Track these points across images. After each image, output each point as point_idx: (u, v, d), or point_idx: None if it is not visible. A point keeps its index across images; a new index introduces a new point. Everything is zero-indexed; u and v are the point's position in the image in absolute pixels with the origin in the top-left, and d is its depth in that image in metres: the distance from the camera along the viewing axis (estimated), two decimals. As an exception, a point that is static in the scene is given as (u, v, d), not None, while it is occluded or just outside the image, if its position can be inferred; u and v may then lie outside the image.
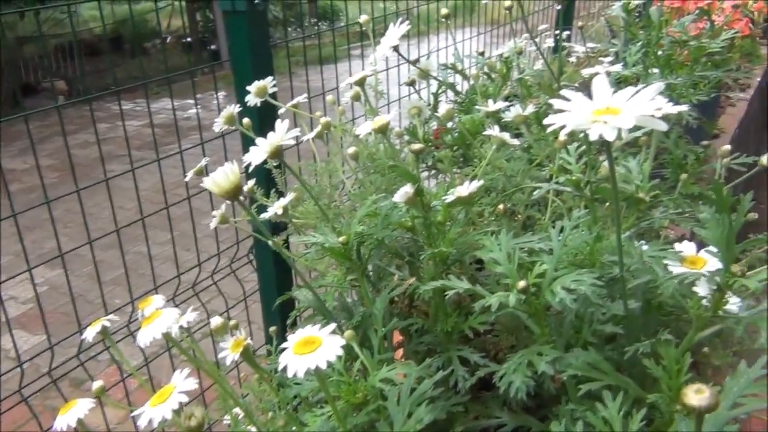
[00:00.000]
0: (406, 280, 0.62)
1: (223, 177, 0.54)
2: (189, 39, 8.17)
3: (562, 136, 0.44)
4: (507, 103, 0.86)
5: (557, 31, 2.81)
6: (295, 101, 0.99)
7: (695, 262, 0.57)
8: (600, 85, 0.47)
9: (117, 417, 2.21)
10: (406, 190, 0.60)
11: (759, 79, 3.19)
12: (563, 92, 0.48)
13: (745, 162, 0.84)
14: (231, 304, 1.57)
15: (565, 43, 2.65)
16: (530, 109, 0.80)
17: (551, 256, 0.54)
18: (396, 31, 0.93)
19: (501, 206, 0.68)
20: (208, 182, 0.54)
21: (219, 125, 0.87)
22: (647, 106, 0.43)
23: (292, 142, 0.67)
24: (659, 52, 0.84)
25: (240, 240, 1.47)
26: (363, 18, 0.94)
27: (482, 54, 1.29)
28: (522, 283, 0.53)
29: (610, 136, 0.42)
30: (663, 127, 0.43)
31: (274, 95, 0.96)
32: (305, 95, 1.04)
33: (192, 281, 1.42)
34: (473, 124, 0.91)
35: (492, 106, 0.85)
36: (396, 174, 0.63)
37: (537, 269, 0.53)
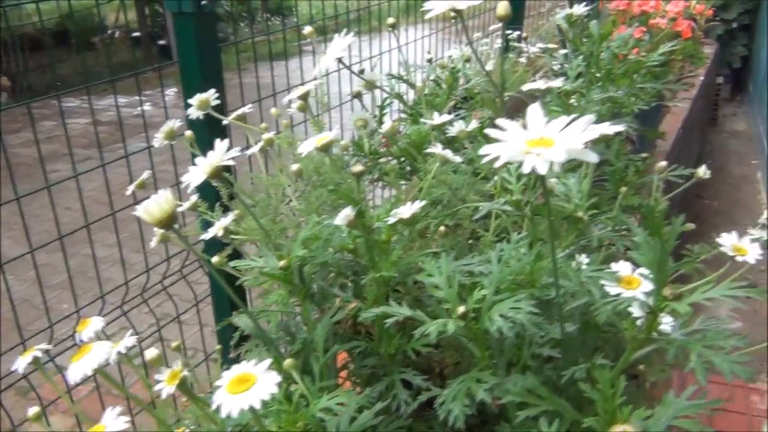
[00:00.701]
0: (350, 304, 0.62)
1: (156, 207, 0.52)
2: (138, 34, 7.99)
3: (500, 163, 0.44)
4: (451, 117, 0.86)
5: (508, 31, 2.84)
6: (240, 111, 0.98)
7: (631, 282, 0.58)
8: (534, 115, 0.47)
9: (65, 426, 2.16)
10: (347, 213, 0.60)
11: (702, 77, 3.28)
12: (498, 122, 0.48)
13: (682, 174, 0.86)
14: (183, 307, 1.54)
15: (515, 44, 2.67)
16: (473, 124, 0.81)
17: (491, 279, 0.55)
18: (341, 42, 0.92)
19: (442, 228, 0.68)
20: (140, 211, 0.53)
21: (159, 140, 0.85)
22: (579, 138, 0.44)
23: (232, 162, 0.66)
24: (599, 65, 0.86)
25: (192, 243, 1.45)
26: (307, 30, 0.93)
27: (430, 61, 1.29)
28: (461, 309, 0.53)
29: (542, 169, 0.43)
30: (594, 159, 0.44)
31: (220, 107, 0.94)
32: (251, 105, 1.03)
33: (142, 285, 1.40)
34: (419, 136, 0.91)
35: (437, 119, 0.85)
36: (336, 197, 0.63)
37: (476, 294, 0.53)
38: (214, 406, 0.42)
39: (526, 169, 0.43)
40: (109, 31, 8.37)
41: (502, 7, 0.73)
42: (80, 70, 6.17)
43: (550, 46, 2.85)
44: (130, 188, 0.91)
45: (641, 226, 0.53)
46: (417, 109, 1.03)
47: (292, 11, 7.56)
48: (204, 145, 1.30)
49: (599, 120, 0.92)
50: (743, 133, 4.21)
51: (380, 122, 0.95)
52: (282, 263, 0.60)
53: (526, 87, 0.79)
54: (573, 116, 0.47)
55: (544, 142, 0.46)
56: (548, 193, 0.48)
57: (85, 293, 1.34)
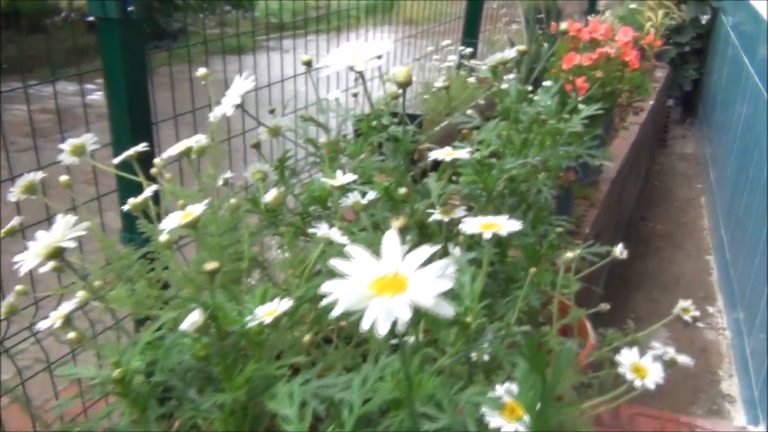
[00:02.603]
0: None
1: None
2: (92, 18, 7.72)
3: (337, 312, 0.36)
4: (353, 177, 0.78)
5: (461, 47, 2.78)
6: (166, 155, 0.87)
7: (514, 411, 0.51)
8: (390, 245, 0.40)
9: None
10: (195, 317, 0.51)
11: (653, 102, 3.28)
12: (348, 249, 0.40)
13: (599, 252, 0.80)
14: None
15: (465, 62, 2.61)
16: (371, 196, 0.72)
17: (351, 413, 0.47)
18: (240, 85, 0.84)
19: (308, 337, 0.60)
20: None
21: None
22: (431, 288, 0.36)
23: (73, 244, 0.56)
24: (518, 129, 0.79)
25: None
26: (201, 72, 0.84)
27: (355, 95, 1.21)
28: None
29: (382, 328, 0.35)
30: (449, 312, 0.36)
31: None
32: (145, 144, 0.93)
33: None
34: (322, 192, 0.83)
35: (339, 179, 0.77)
36: (193, 301, 0.54)
37: (328, 436, 0.45)
38: None
39: (365, 323, 0.35)
40: (63, 14, 8.07)
41: (402, 75, 0.66)
42: (30, 53, 5.90)
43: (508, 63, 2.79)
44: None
45: (524, 351, 0.46)
46: (329, 156, 0.95)
47: (253, 5, 7.39)
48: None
49: (515, 188, 0.86)
50: (691, 155, 4.24)
51: (281, 174, 0.87)
52: (116, 373, 0.51)
53: (432, 155, 0.71)
54: (435, 248, 0.39)
55: (396, 283, 0.38)
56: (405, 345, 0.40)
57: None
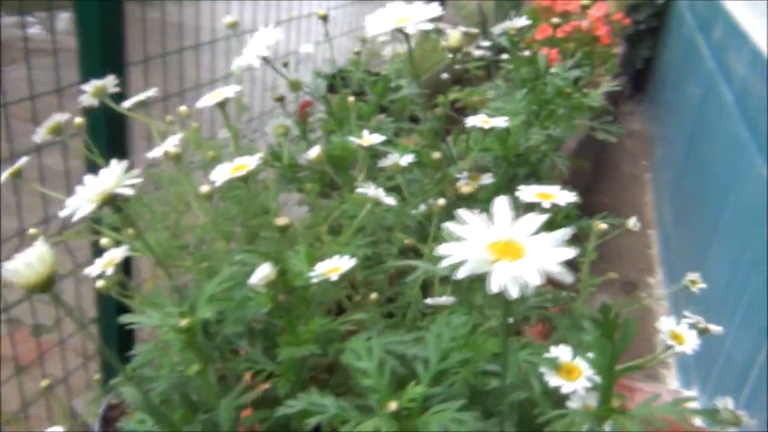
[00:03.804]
0: (261, 385, 0.54)
1: (28, 270, 0.42)
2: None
3: (460, 275, 0.38)
4: (382, 138, 0.78)
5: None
6: (142, 96, 0.85)
7: (571, 372, 0.54)
8: (501, 210, 0.41)
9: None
10: (266, 271, 0.52)
11: (608, 78, 3.36)
12: (460, 213, 0.41)
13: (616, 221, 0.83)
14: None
15: (439, 25, 2.60)
16: (408, 159, 0.73)
17: (428, 370, 0.49)
18: (266, 35, 0.82)
19: (374, 295, 0.61)
20: (10, 273, 0.42)
21: (40, 135, 0.72)
22: (553, 256, 0.38)
23: (130, 191, 0.55)
24: (544, 101, 0.81)
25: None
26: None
27: (358, 53, 1.20)
28: (393, 406, 0.47)
29: (514, 292, 0.36)
30: (570, 280, 0.38)
31: (120, 95, 0.81)
32: (155, 89, 0.90)
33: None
34: (344, 150, 0.83)
35: (366, 138, 0.77)
36: (257, 255, 0.54)
37: (411, 391, 0.47)
38: None
39: (494, 287, 0.37)
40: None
41: (455, 39, 0.66)
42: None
43: (473, 30, 2.81)
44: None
45: (595, 321, 0.48)
46: (342, 114, 0.94)
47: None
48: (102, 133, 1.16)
49: (526, 159, 0.88)
50: (638, 132, 4.38)
51: (303, 131, 0.86)
52: (184, 323, 0.51)
53: (469, 122, 0.72)
54: (542, 216, 0.41)
55: (512, 249, 0.39)
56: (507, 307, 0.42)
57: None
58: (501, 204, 0.41)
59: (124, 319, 0.52)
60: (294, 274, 0.54)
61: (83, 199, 0.55)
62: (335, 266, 0.55)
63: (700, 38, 3.21)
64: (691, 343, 0.57)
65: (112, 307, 1.35)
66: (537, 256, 0.38)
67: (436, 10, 0.67)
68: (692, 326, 0.58)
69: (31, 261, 0.42)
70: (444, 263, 0.39)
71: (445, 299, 0.63)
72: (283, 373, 0.55)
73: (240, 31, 0.91)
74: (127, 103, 0.80)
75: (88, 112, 0.81)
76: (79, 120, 0.79)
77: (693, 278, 0.74)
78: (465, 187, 0.58)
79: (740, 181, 1.90)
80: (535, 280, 0.36)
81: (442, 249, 0.39)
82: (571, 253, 0.38)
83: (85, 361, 1.56)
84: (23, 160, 0.72)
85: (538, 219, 0.41)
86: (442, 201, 0.64)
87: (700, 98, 2.98)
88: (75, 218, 0.54)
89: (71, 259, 1.34)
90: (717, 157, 2.39)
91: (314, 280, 0.54)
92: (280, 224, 0.54)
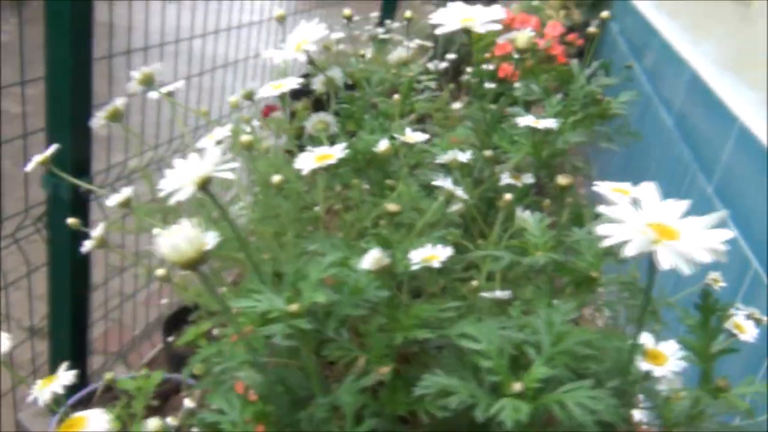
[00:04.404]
0: (379, 370, 0.54)
1: (186, 243, 0.41)
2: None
3: (629, 253, 0.40)
4: (426, 136, 0.79)
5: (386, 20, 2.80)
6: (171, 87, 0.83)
7: (657, 358, 0.57)
8: (650, 195, 0.44)
9: None
10: (377, 256, 0.52)
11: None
12: (610, 194, 0.44)
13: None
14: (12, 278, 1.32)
15: (389, 35, 2.64)
16: (467, 156, 0.74)
17: (543, 353, 0.50)
18: (311, 30, 0.81)
19: (475, 282, 0.62)
20: (164, 248, 0.41)
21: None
22: (713, 236, 0.40)
23: (230, 175, 0.54)
24: (579, 107, 0.85)
25: (30, 206, 1.25)
26: None
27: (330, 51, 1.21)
28: (518, 386, 0.48)
29: (686, 270, 0.39)
30: (725, 259, 0.41)
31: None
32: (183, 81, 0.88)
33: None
34: (387, 148, 0.83)
35: (410, 136, 0.78)
36: (372, 242, 0.54)
37: (535, 371, 0.48)
38: None
39: (663, 264, 0.39)
40: None
41: (522, 40, 0.69)
42: None
43: (427, 44, 2.86)
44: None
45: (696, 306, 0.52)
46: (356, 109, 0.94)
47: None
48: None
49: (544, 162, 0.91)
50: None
51: (343, 128, 0.87)
52: (294, 307, 0.51)
53: (521, 122, 0.75)
54: (683, 202, 0.43)
55: (667, 231, 0.42)
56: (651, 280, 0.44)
57: None
58: (649, 189, 0.44)
59: (236, 302, 0.51)
60: (398, 260, 0.54)
61: (181, 183, 0.54)
62: (432, 254, 0.56)
63: (636, 64, 3.39)
64: (751, 332, 0.61)
65: (65, 313, 1.31)
66: (696, 236, 0.40)
67: (499, 12, 0.69)
68: (748, 317, 0.63)
69: (187, 238, 0.41)
70: (606, 242, 0.40)
71: (500, 293, 0.65)
72: (377, 361, 0.55)
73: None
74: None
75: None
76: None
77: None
78: (563, 179, 0.60)
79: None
80: (705, 258, 0.39)
81: (600, 230, 0.41)
82: (729, 234, 0.40)
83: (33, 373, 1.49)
84: None
85: (681, 204, 0.43)
86: (509, 196, 0.66)
87: (637, 118, 3.14)
88: (175, 200, 0.53)
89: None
90: (656, 174, 2.53)
91: (415, 267, 0.55)
92: (391, 210, 0.54)
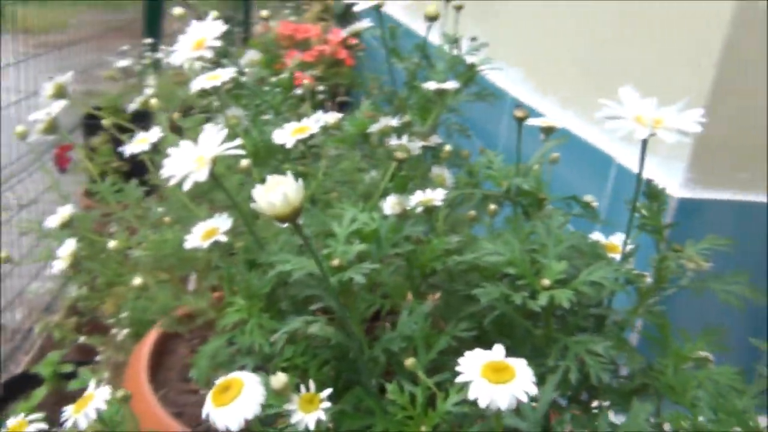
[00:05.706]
0: (431, 296, 0.57)
1: (282, 199, 0.42)
2: None
3: (639, 137, 0.49)
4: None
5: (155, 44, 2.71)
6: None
7: (613, 249, 0.69)
8: (630, 95, 0.54)
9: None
10: (396, 199, 0.56)
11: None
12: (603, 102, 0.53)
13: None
14: None
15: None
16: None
17: (551, 252, 0.58)
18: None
19: (492, 206, 0.67)
20: (261, 201, 0.41)
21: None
22: (689, 116, 0.51)
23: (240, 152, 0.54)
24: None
25: None
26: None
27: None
28: (546, 281, 0.55)
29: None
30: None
31: None
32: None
33: None
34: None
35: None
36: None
37: (557, 267, 0.56)
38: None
39: (669, 140, 0.49)
40: None
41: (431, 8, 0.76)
42: None
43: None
44: None
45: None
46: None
47: None
48: None
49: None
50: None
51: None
52: (336, 262, 0.53)
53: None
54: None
55: (655, 120, 0.52)
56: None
57: None
58: (629, 91, 0.54)
59: (272, 259, 0.51)
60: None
61: (190, 164, 0.53)
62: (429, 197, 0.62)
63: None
64: None
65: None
66: (677, 118, 0.52)
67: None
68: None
69: (285, 193, 0.42)
70: (644, 136, 0.50)
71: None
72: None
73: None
74: None
75: None
76: None
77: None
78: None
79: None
80: (696, 129, 0.50)
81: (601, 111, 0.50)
82: (700, 111, 0.52)
83: None
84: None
85: (653, 101, 0.54)
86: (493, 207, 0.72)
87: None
88: (189, 182, 0.52)
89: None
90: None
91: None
92: (399, 157, 0.58)
